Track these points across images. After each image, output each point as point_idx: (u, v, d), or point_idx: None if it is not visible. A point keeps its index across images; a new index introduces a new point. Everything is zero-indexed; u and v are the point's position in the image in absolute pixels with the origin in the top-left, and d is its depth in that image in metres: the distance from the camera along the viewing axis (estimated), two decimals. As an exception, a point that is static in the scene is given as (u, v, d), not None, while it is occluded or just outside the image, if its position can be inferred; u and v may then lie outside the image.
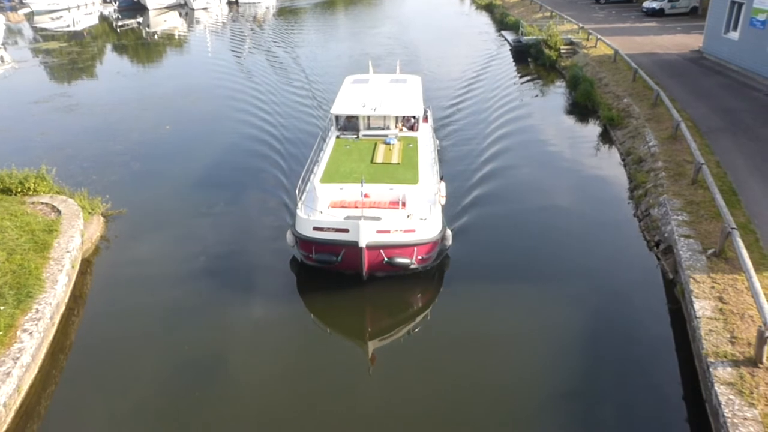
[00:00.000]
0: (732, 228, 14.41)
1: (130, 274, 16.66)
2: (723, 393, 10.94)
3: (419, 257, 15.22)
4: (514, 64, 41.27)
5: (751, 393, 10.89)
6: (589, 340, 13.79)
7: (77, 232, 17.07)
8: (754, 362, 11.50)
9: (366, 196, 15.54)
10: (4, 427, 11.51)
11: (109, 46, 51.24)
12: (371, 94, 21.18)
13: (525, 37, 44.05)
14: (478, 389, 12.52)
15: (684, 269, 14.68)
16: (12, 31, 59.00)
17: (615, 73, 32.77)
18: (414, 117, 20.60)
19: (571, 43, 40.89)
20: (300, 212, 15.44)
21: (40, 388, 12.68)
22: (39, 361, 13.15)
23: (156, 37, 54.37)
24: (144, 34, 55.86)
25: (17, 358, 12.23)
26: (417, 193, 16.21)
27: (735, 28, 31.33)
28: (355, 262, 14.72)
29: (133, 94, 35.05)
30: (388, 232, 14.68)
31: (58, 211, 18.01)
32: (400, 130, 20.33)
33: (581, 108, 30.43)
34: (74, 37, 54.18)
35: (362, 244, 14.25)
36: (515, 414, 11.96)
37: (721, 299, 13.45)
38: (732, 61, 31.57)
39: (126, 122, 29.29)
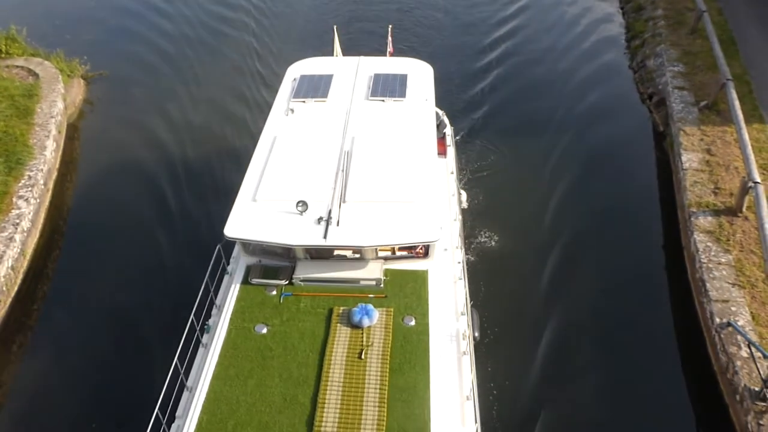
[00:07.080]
0: (727, 79, 14.21)
1: (118, 136, 16.45)
2: (701, 240, 11.49)
3: None
4: None
5: (728, 240, 11.45)
6: (576, 186, 14.21)
7: (59, 96, 16.57)
8: (734, 212, 11.96)
9: None
10: (16, 288, 12.06)
11: None
12: (325, 159, 9.68)
13: None
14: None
15: (675, 121, 14.68)
16: None
17: None
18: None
19: None
20: None
21: (44, 252, 13.09)
22: (39, 226, 13.43)
23: None
24: None
25: (17, 224, 12.47)
26: None
27: None
28: None
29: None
30: None
31: (36, 75, 17.32)
32: (393, 252, 9.17)
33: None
34: None
35: None
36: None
37: (708, 151, 13.63)
38: None
39: (94, -27, 27.16)
